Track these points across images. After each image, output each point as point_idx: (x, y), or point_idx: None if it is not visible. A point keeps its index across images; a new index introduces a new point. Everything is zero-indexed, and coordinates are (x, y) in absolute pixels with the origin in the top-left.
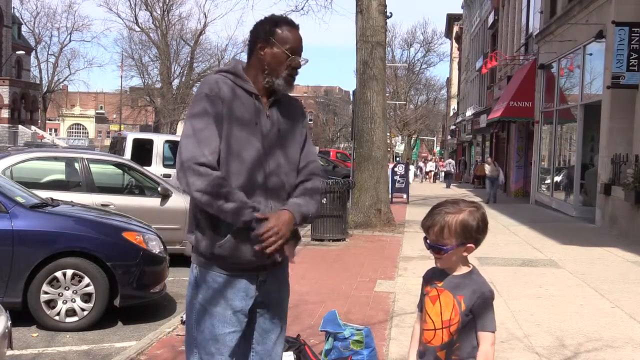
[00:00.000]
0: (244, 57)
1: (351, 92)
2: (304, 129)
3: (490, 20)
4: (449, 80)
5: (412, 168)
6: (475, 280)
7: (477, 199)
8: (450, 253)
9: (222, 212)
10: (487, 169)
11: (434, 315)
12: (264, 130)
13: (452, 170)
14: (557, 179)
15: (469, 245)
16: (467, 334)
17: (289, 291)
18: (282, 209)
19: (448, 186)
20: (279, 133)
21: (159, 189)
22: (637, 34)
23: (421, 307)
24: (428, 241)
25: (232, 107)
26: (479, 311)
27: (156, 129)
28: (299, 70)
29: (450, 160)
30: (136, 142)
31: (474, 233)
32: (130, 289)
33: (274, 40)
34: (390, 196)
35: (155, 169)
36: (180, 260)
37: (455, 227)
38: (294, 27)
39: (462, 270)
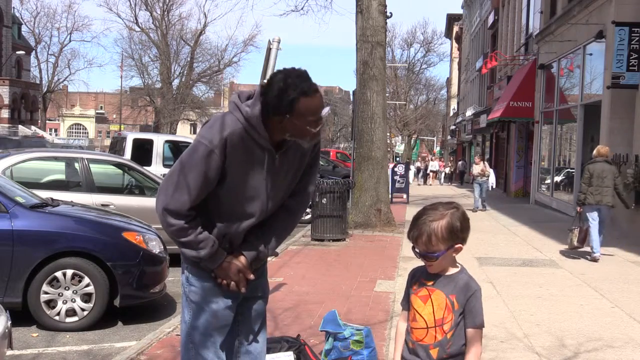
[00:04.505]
0: (244, 57)
1: (351, 92)
2: (313, 153)
3: (490, 20)
4: (449, 80)
5: (412, 168)
6: (464, 279)
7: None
8: (441, 258)
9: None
10: (475, 169)
11: (426, 315)
12: (268, 182)
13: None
14: (557, 179)
15: (457, 246)
16: (459, 331)
17: (268, 283)
18: (239, 254)
19: (462, 184)
20: (286, 178)
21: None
22: (637, 34)
23: (407, 305)
24: (417, 250)
25: (235, 164)
26: (470, 308)
27: (156, 129)
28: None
29: (462, 161)
30: (136, 142)
31: (460, 233)
32: (130, 289)
33: (293, 117)
34: (390, 196)
35: (155, 169)
36: (180, 260)
37: (442, 232)
38: (313, 95)
39: (452, 270)
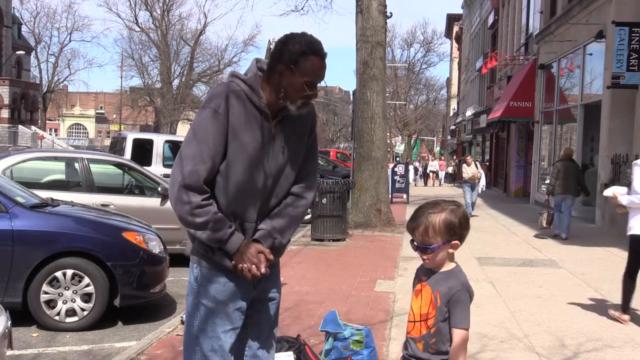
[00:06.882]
0: (244, 56)
1: (351, 92)
2: (310, 139)
3: (490, 20)
4: (449, 80)
5: (409, 169)
6: (454, 277)
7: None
8: (437, 251)
9: (196, 235)
10: (467, 170)
11: (415, 308)
12: (267, 151)
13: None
14: None
15: (453, 242)
16: (443, 330)
17: (280, 286)
18: (255, 241)
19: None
20: (284, 152)
21: (159, 189)
22: (637, 34)
23: None
24: (415, 243)
25: (238, 126)
26: (452, 307)
27: (156, 129)
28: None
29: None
30: (136, 142)
31: (457, 229)
32: (130, 289)
33: (296, 70)
34: (390, 196)
35: (155, 169)
36: (180, 260)
37: (439, 225)
38: (321, 57)
39: (446, 267)
